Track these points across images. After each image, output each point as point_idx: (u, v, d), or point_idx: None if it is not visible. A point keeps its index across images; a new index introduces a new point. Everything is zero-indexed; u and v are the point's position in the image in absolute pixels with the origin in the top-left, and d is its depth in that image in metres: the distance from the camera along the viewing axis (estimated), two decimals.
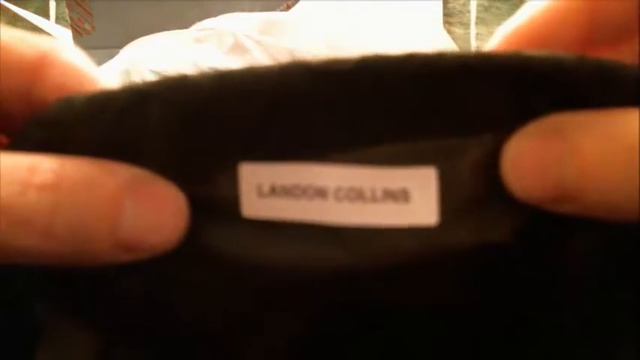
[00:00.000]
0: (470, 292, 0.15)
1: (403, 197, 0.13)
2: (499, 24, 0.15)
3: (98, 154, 0.13)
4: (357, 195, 0.13)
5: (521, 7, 0.15)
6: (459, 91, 0.13)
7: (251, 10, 0.55)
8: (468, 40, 0.79)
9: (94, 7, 0.65)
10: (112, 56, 0.51)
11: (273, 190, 0.14)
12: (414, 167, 0.13)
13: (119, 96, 0.13)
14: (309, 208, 0.14)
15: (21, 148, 0.13)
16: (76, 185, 0.13)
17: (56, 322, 0.15)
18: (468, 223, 0.14)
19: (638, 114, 0.12)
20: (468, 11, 0.79)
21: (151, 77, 0.46)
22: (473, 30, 0.79)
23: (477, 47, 0.78)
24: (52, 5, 0.81)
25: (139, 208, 0.13)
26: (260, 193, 0.14)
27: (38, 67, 0.14)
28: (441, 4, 0.78)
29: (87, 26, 0.66)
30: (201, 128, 0.13)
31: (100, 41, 0.65)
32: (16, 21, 0.70)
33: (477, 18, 0.79)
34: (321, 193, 0.13)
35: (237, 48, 0.49)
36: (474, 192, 0.13)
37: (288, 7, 0.65)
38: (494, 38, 0.15)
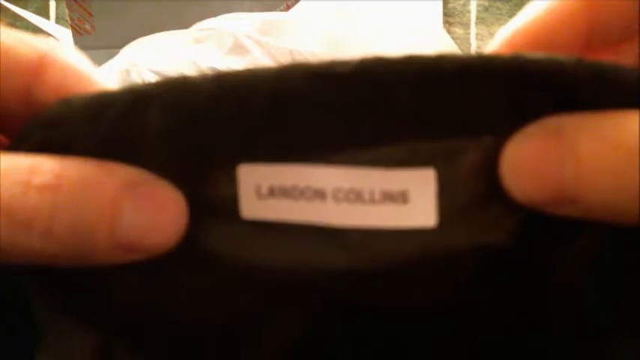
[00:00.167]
0: (468, 293, 0.15)
1: (402, 199, 0.13)
2: (499, 24, 0.15)
3: (98, 155, 0.13)
4: (356, 196, 0.13)
5: (522, 8, 0.15)
6: (458, 93, 0.13)
7: (251, 10, 0.55)
8: (467, 40, 0.79)
9: (94, 7, 0.65)
10: (112, 56, 0.51)
11: (272, 192, 0.14)
12: (413, 169, 0.13)
13: (119, 97, 0.13)
14: (308, 209, 0.14)
15: (21, 148, 0.13)
16: (76, 186, 0.13)
17: (56, 322, 0.15)
18: (466, 224, 0.14)
19: (637, 116, 0.12)
20: (468, 11, 0.79)
21: (151, 77, 0.46)
22: (473, 30, 0.79)
23: (477, 47, 0.78)
24: (52, 5, 0.81)
25: (138, 208, 0.13)
26: (259, 195, 0.14)
27: (38, 68, 0.14)
28: (440, 4, 0.78)
29: (87, 26, 0.66)
30: (201, 130, 0.13)
31: (100, 41, 0.65)
32: (16, 21, 0.70)
33: (477, 18, 0.79)
34: (319, 194, 0.13)
35: (237, 48, 0.49)
36: (473, 194, 0.13)
37: (288, 7, 0.65)
38: (495, 40, 0.15)
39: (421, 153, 0.13)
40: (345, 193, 0.13)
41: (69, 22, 0.66)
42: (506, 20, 0.15)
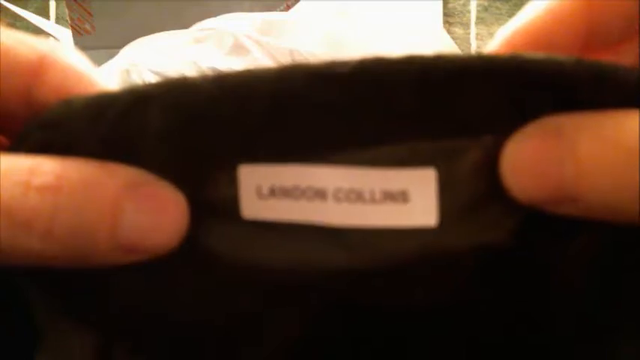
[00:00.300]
0: (469, 292, 0.15)
1: (402, 198, 0.13)
2: (499, 24, 0.15)
3: (98, 156, 0.13)
4: (357, 196, 0.13)
5: (522, 8, 0.15)
6: (458, 93, 0.13)
7: (251, 10, 0.55)
8: (467, 40, 0.79)
9: (94, 7, 0.65)
10: (112, 56, 0.51)
11: (273, 192, 0.14)
12: (413, 168, 0.13)
13: (119, 98, 0.13)
14: (309, 209, 0.14)
15: (21, 149, 0.13)
16: (77, 187, 0.13)
17: (56, 323, 0.15)
18: (467, 224, 0.14)
19: (637, 115, 0.12)
20: (468, 11, 0.79)
21: (151, 77, 0.46)
22: (473, 30, 0.79)
23: (477, 47, 0.78)
24: (52, 5, 0.81)
25: (139, 209, 0.13)
26: (259, 195, 0.14)
27: (38, 68, 0.14)
28: (440, 4, 0.78)
29: (87, 26, 0.66)
30: (201, 130, 0.13)
31: (100, 41, 0.65)
32: (16, 21, 0.70)
33: (477, 18, 0.79)
34: (320, 194, 0.13)
35: (237, 48, 0.49)
36: (474, 193, 0.13)
37: (288, 7, 0.65)
38: (494, 40, 0.15)
39: (421, 153, 0.13)
40: (345, 193, 0.13)
41: (69, 22, 0.66)
42: (506, 20, 0.15)
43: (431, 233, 0.14)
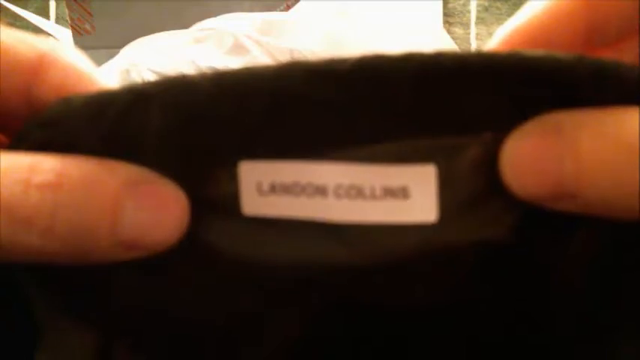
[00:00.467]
0: (469, 290, 0.15)
1: (403, 194, 0.13)
2: (499, 24, 0.15)
3: (98, 154, 0.13)
4: (357, 192, 0.13)
5: (521, 7, 0.15)
6: (458, 90, 0.13)
7: (251, 10, 0.55)
8: (467, 40, 0.79)
9: (94, 7, 0.65)
10: (112, 56, 0.51)
11: (273, 188, 0.14)
12: (413, 165, 0.13)
13: (119, 96, 0.13)
14: (309, 205, 0.14)
15: (21, 148, 0.13)
16: (77, 184, 0.13)
17: (56, 321, 0.15)
18: (467, 220, 0.14)
19: (636, 112, 0.12)
20: (468, 11, 0.79)
21: (151, 77, 0.46)
22: (473, 30, 0.79)
23: (477, 47, 0.78)
24: (52, 5, 0.81)
25: (140, 206, 0.13)
26: (260, 191, 0.14)
27: (38, 67, 0.14)
28: (440, 4, 0.78)
29: (87, 26, 0.66)
30: (200, 128, 0.13)
31: (100, 41, 0.65)
32: (16, 21, 0.70)
33: (477, 18, 0.79)
34: (320, 190, 0.13)
35: (237, 48, 0.49)
36: (474, 189, 0.13)
37: (288, 7, 0.65)
38: (494, 38, 0.15)
39: (421, 149, 0.13)
40: (346, 189, 0.13)
41: (69, 22, 0.66)
42: (506, 20, 0.15)
43: (431, 229, 0.14)
